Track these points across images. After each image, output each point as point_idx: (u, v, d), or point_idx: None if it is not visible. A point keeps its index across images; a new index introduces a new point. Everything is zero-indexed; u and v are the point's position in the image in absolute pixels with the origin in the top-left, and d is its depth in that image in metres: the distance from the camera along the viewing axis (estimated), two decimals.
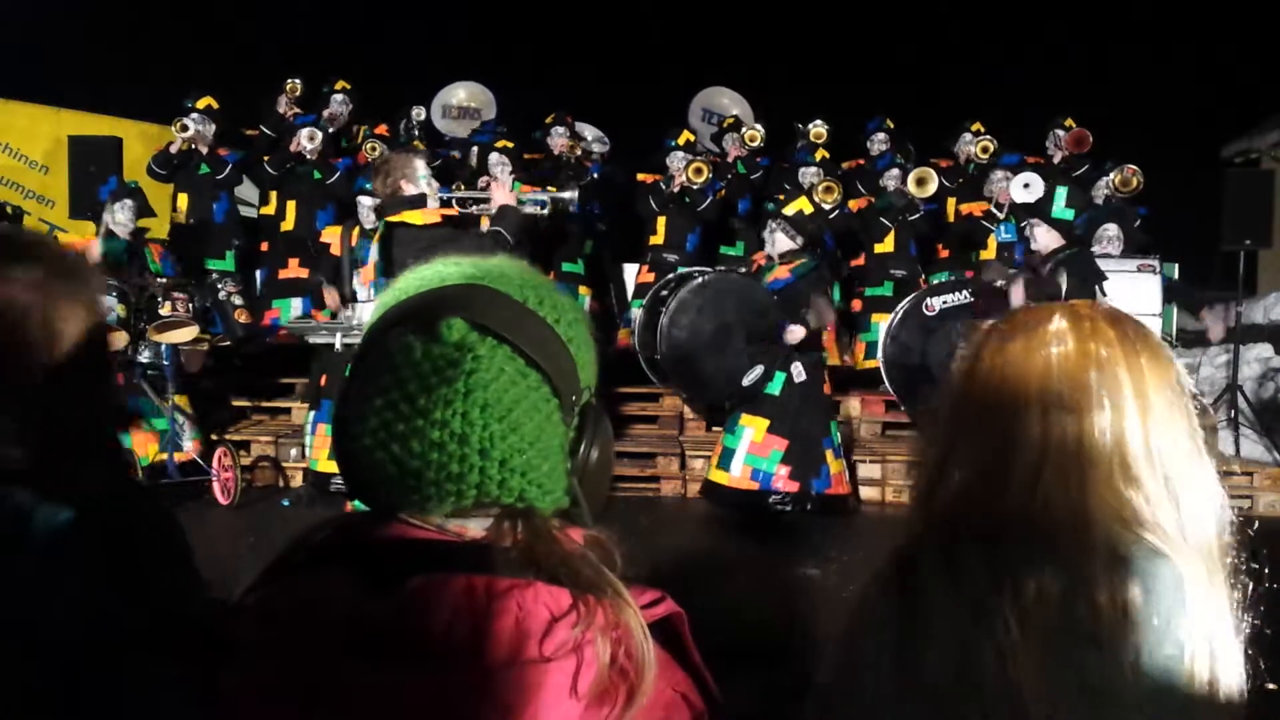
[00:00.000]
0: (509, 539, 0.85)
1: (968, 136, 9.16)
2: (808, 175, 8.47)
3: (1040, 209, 5.89)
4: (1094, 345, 1.00)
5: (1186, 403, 1.02)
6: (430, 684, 0.77)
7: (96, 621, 1.01)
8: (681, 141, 8.91)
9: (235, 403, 7.99)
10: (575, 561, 0.84)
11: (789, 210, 6.55)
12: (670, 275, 7.82)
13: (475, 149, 9.14)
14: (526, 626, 0.78)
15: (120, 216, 6.84)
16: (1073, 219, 5.85)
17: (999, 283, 5.94)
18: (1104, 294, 5.88)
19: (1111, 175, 7.60)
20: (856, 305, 8.55)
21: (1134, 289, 6.20)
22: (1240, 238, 7.93)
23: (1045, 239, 5.76)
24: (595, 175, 9.17)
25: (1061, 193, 5.84)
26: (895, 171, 8.35)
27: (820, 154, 9.02)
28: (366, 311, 6.52)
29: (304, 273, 8.26)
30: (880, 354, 6.98)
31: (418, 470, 0.85)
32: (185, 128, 8.32)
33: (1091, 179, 8.31)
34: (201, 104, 8.60)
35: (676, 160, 8.57)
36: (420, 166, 4.80)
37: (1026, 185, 7.42)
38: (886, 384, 7.01)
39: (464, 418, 0.85)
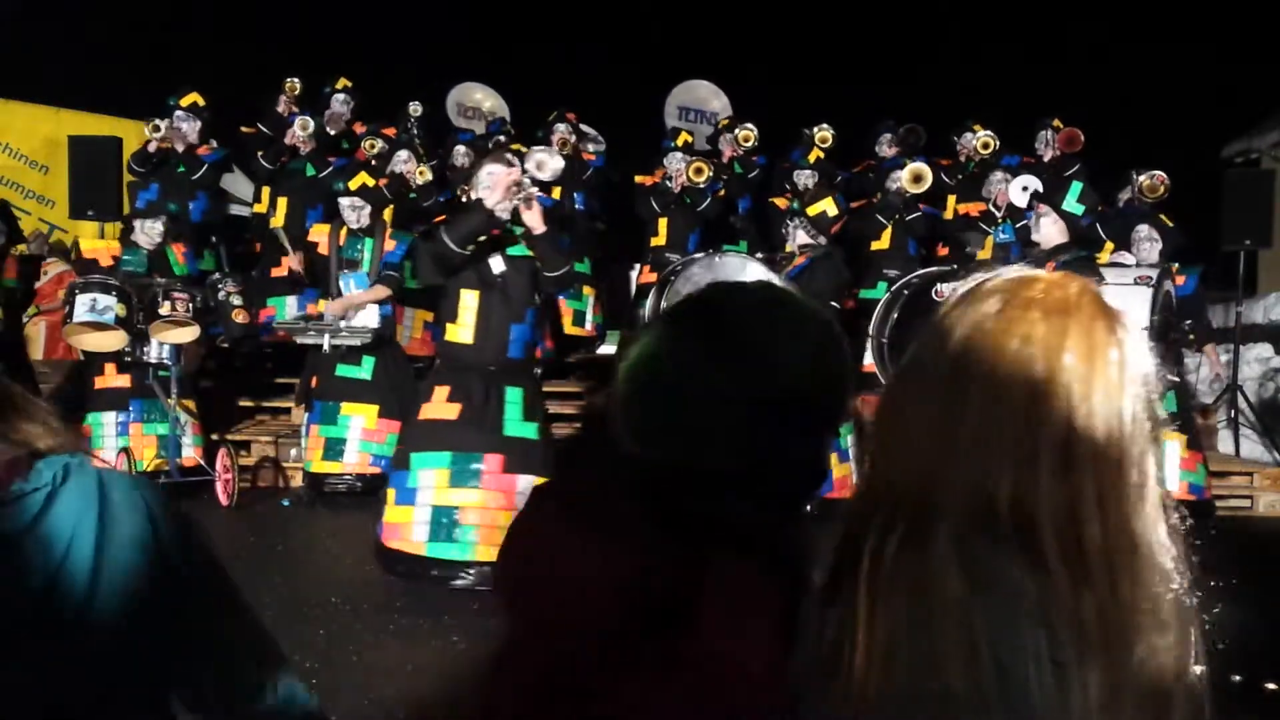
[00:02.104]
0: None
1: (970, 135, 9.14)
2: (803, 178, 8.46)
3: (1052, 199, 5.78)
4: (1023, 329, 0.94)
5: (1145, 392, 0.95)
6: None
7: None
8: (680, 143, 8.93)
9: (235, 403, 7.99)
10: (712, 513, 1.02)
11: (813, 211, 6.51)
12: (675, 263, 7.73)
13: (460, 149, 9.11)
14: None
15: (151, 229, 6.81)
16: (1080, 215, 5.77)
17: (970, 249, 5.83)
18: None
19: (1140, 180, 7.55)
20: (850, 305, 8.53)
21: (1121, 302, 6.04)
22: (1240, 238, 7.93)
23: (1050, 230, 5.66)
24: (592, 171, 9.20)
25: (1076, 187, 5.76)
26: (900, 173, 8.33)
27: (815, 154, 9.00)
28: (357, 312, 6.54)
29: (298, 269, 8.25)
30: (871, 342, 6.79)
31: None
32: (157, 128, 8.21)
33: (1078, 180, 8.28)
34: (186, 101, 8.51)
35: (675, 161, 8.57)
36: (482, 174, 4.90)
37: (1025, 189, 7.40)
38: (880, 369, 6.73)
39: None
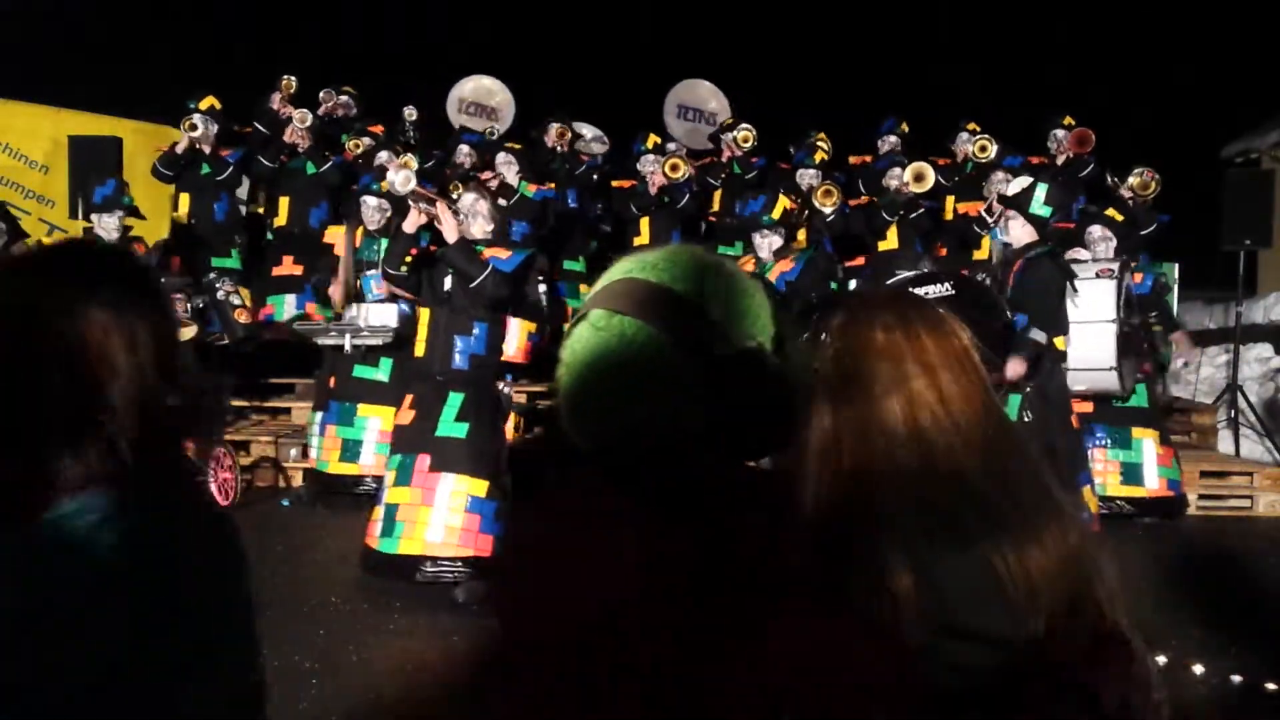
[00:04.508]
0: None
1: (965, 135, 9.14)
2: (806, 177, 8.46)
3: (1018, 202, 5.86)
4: (873, 332, 1.09)
5: (977, 367, 1.09)
6: None
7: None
8: (649, 145, 8.98)
9: (235, 403, 7.98)
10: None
11: (775, 214, 6.55)
12: None
13: (464, 148, 9.11)
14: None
15: (109, 223, 6.86)
16: (1049, 216, 5.81)
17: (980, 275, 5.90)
18: (1074, 289, 5.84)
19: (1130, 179, 7.55)
20: None
21: (1087, 297, 6.07)
22: (1240, 238, 7.93)
23: (1018, 232, 5.74)
24: (589, 169, 9.21)
25: (1041, 189, 5.80)
26: (897, 170, 8.32)
27: (820, 156, 9.00)
28: (374, 312, 6.55)
29: (298, 269, 8.24)
30: None
31: None
32: (194, 126, 8.28)
33: (1089, 179, 8.27)
34: (204, 104, 8.57)
35: (648, 163, 8.64)
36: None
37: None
38: None
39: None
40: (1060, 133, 8.54)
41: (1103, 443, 6.49)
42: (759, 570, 0.95)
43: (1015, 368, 5.45)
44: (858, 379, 1.05)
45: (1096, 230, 6.70)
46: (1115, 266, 6.18)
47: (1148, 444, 6.47)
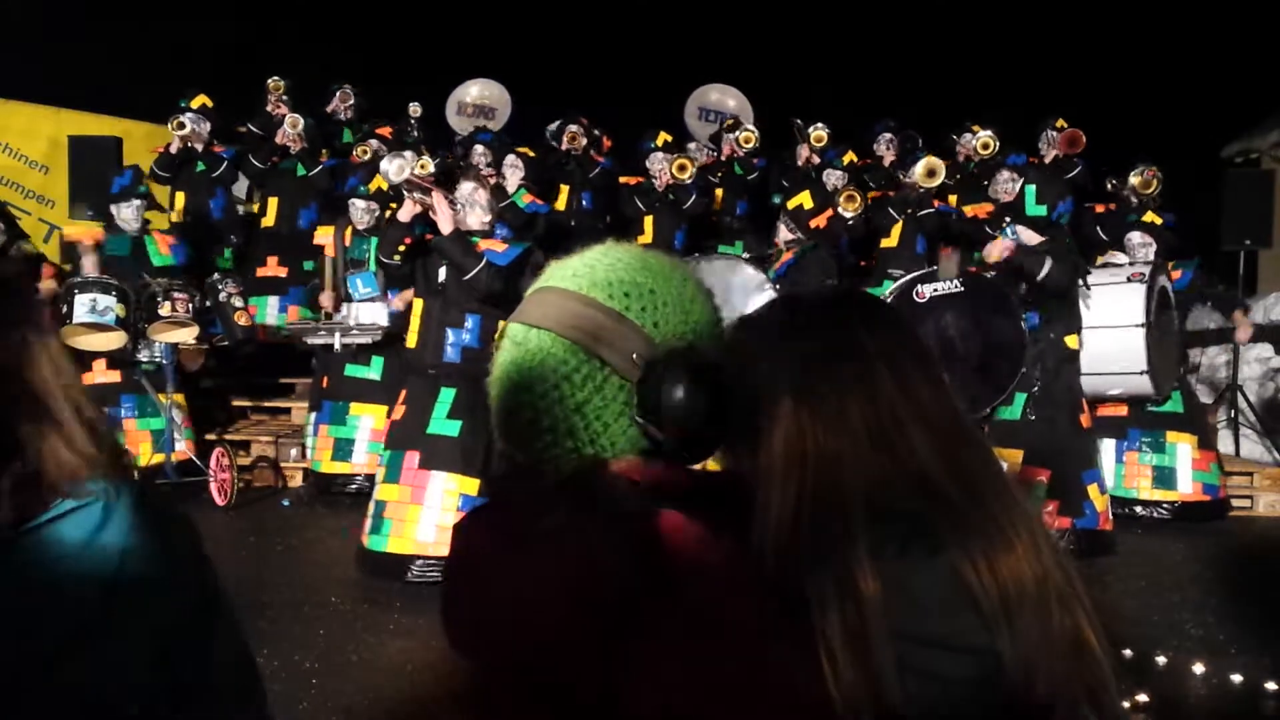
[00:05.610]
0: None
1: (969, 135, 9.11)
2: (833, 178, 8.43)
3: (1015, 208, 5.91)
4: (838, 329, 1.07)
5: (939, 369, 1.07)
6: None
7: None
8: (659, 143, 8.97)
9: (235, 403, 7.99)
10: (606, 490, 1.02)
11: (791, 205, 6.60)
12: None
13: (479, 148, 9.10)
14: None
15: (127, 213, 6.91)
16: (1046, 213, 5.84)
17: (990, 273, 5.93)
18: (1086, 286, 5.85)
19: (1131, 178, 7.56)
20: None
21: (1117, 301, 6.11)
22: (1240, 238, 7.94)
23: (1026, 236, 5.81)
24: (599, 172, 9.22)
25: (1030, 191, 5.83)
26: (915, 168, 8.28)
27: (849, 157, 8.97)
28: (363, 311, 6.55)
29: (282, 271, 8.25)
30: None
31: None
32: (182, 125, 8.31)
33: (1076, 181, 8.26)
34: (196, 103, 8.59)
35: (656, 161, 8.63)
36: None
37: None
38: None
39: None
40: (1052, 133, 8.52)
41: (1137, 446, 6.49)
42: (698, 585, 0.93)
43: (1003, 249, 5.44)
44: (824, 377, 1.03)
45: (1136, 236, 6.72)
46: (1147, 270, 6.19)
47: (1183, 448, 6.46)
